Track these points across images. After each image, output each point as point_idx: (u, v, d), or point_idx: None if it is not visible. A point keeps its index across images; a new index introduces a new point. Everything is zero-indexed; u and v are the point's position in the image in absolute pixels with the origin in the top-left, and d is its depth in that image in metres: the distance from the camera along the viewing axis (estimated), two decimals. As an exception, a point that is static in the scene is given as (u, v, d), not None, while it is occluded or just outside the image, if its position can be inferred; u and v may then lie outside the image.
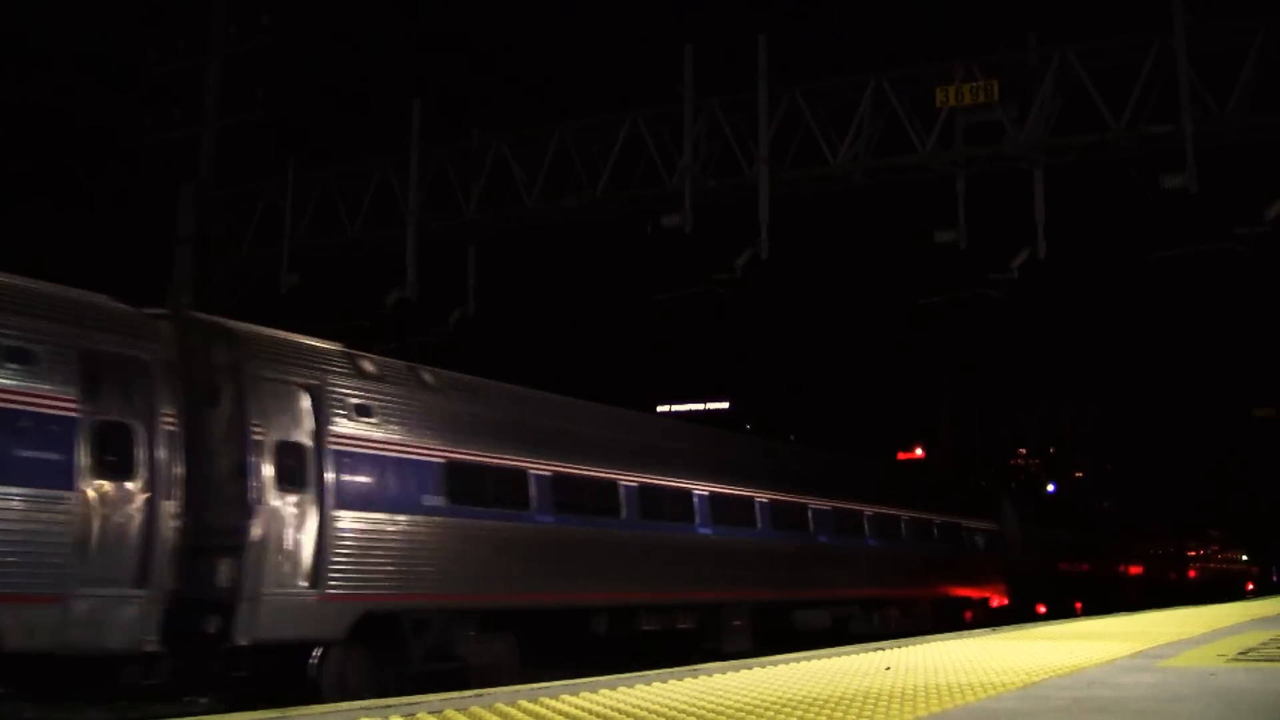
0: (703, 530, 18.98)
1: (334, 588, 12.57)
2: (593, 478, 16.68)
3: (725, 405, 74.00)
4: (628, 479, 17.24)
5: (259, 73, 26.64)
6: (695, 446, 20.79)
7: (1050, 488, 79.74)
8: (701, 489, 19.16)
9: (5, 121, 36.95)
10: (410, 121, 23.73)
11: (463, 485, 14.48)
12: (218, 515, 11.91)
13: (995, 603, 30.00)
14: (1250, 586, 77.56)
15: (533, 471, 15.60)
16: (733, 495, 20.04)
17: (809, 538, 22.14)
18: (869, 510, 24.44)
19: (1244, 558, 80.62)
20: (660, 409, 63.03)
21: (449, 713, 6.75)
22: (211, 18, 26.53)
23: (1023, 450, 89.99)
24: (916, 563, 26.14)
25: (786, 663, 10.00)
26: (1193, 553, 59.53)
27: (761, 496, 20.71)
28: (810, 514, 22.43)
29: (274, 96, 26.53)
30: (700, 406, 72.67)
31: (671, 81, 21.98)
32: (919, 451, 65.50)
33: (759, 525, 20.46)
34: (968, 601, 29.06)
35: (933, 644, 12.47)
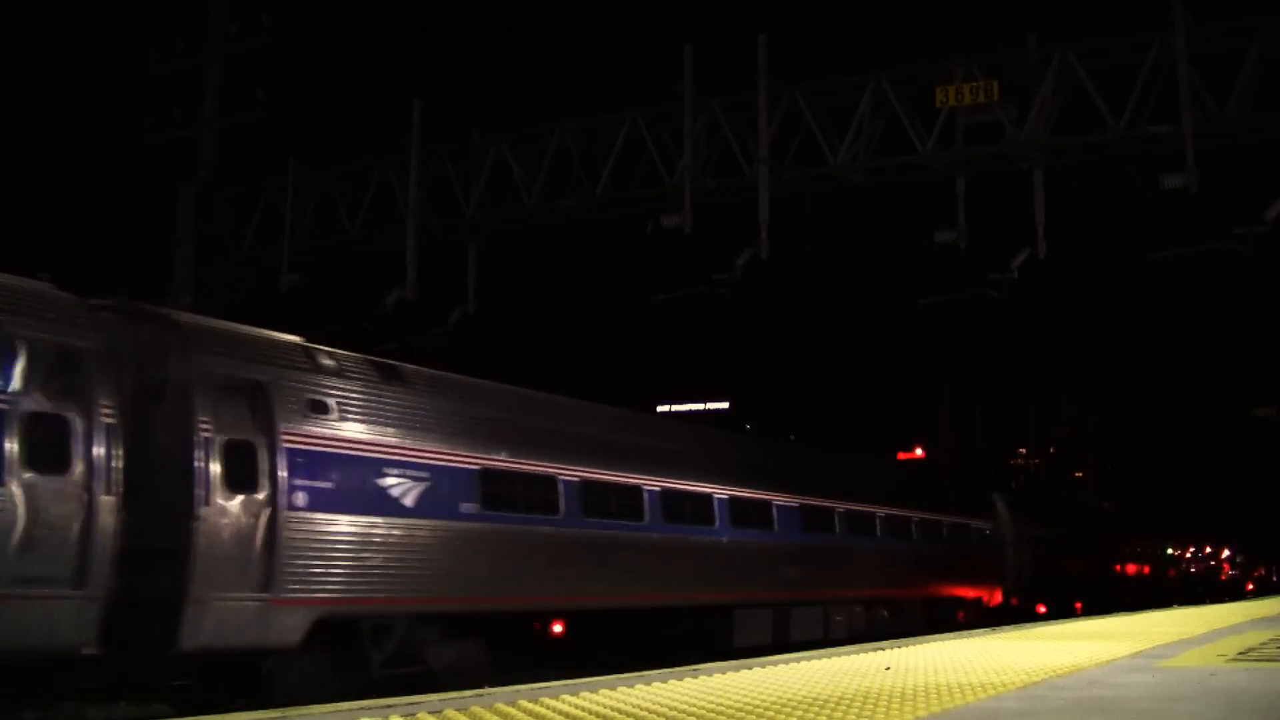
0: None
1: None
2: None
3: (725, 405, 74.08)
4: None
5: (259, 73, 26.71)
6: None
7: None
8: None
9: (5, 120, 37.01)
10: (410, 121, 23.77)
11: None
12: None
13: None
14: (1250, 586, 77.71)
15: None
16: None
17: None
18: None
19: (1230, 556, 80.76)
20: (660, 409, 63.10)
21: (449, 713, 6.75)
22: (211, 18, 26.56)
23: (1023, 450, 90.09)
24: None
25: (786, 663, 10.00)
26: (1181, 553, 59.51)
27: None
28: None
29: (274, 96, 26.58)
30: (700, 406, 72.76)
31: (671, 81, 22.01)
32: (919, 451, 65.53)
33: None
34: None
35: (933, 644, 12.47)
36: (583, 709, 6.89)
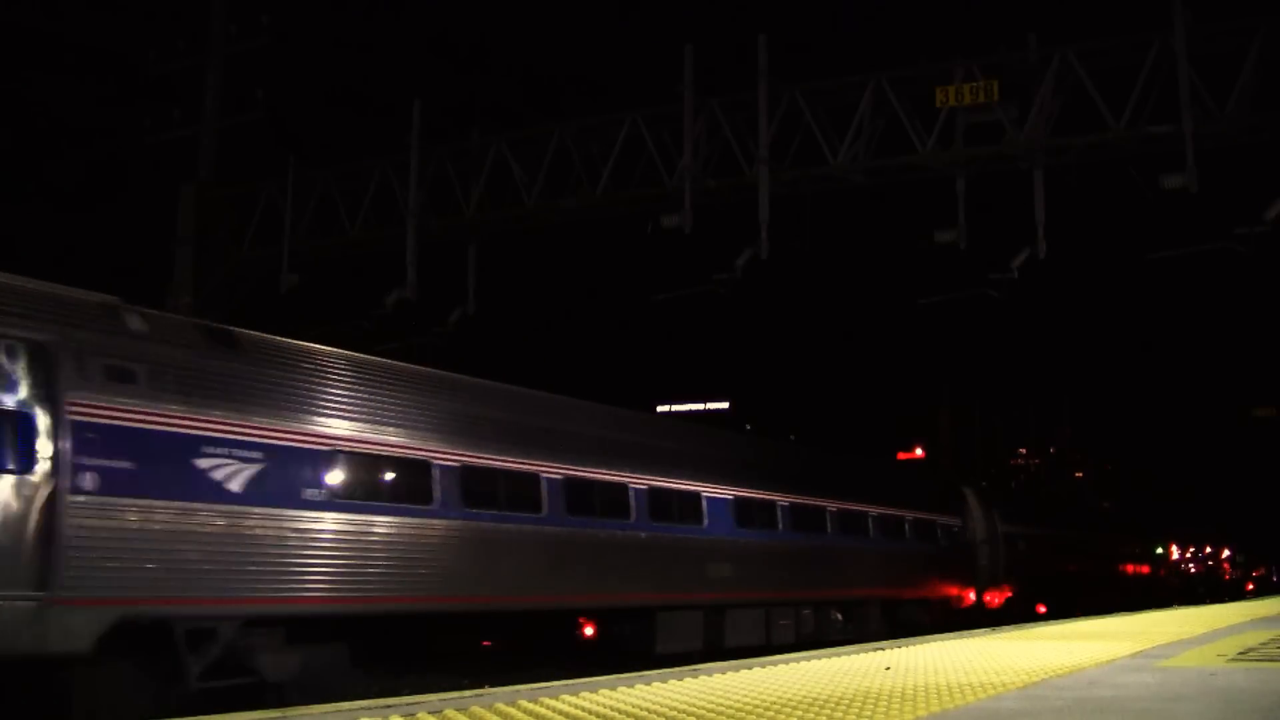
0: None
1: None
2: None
3: (725, 405, 74.21)
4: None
5: (259, 73, 26.78)
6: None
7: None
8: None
9: (6, 121, 37.07)
10: (410, 121, 23.80)
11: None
12: None
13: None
14: (1250, 586, 77.86)
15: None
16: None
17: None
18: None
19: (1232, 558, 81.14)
20: (660, 409, 63.18)
21: (449, 713, 6.76)
22: (211, 18, 26.60)
23: (1023, 450, 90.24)
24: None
25: (786, 663, 10.00)
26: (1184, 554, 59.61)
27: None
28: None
29: (274, 96, 26.67)
30: (700, 406, 72.89)
31: (671, 81, 22.05)
32: (919, 451, 65.62)
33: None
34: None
35: (932, 644, 12.47)
36: (583, 709, 6.90)
